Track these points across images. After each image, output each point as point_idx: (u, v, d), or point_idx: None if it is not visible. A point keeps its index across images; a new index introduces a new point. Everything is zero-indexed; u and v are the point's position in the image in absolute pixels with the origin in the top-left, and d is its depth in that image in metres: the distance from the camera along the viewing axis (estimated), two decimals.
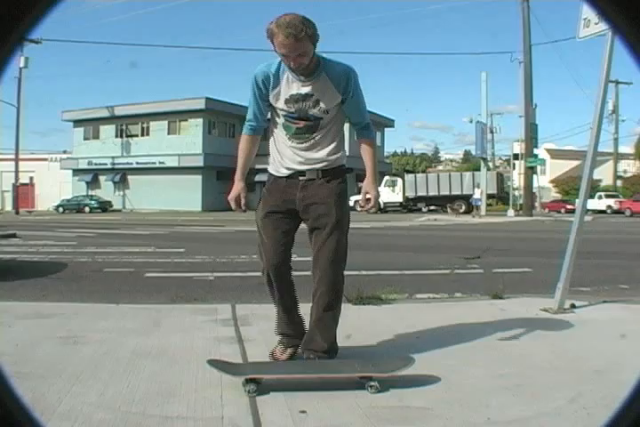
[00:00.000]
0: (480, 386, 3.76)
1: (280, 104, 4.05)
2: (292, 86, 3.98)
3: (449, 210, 45.08)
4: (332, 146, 4.16)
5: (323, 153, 4.11)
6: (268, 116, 4.24)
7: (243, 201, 4.23)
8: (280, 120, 4.13)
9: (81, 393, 3.55)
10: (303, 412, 3.29)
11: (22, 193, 53.28)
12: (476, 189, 43.87)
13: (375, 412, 3.30)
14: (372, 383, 3.63)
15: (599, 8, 1.23)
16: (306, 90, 3.97)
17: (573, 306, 6.39)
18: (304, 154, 4.09)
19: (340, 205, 4.18)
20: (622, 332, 5.15)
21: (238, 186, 4.25)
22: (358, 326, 5.33)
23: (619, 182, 66.34)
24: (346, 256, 4.16)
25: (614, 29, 1.22)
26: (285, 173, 4.15)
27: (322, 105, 4.00)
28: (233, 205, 4.27)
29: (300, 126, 4.06)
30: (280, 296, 4.23)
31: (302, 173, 4.12)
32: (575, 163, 68.22)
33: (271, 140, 4.28)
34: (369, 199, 4.34)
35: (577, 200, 7.11)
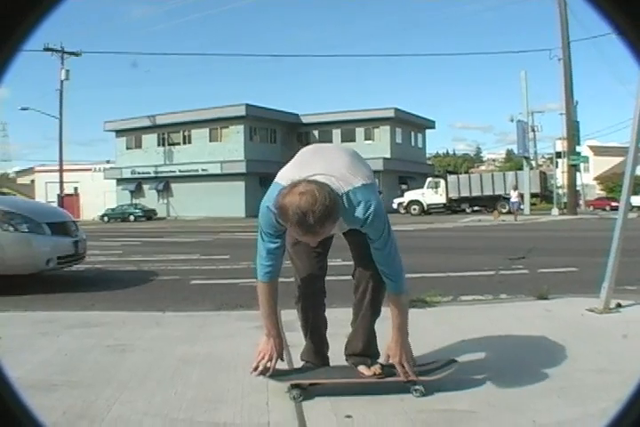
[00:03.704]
0: (525, 388, 3.74)
1: None
2: None
3: (495, 212, 43.30)
4: None
5: None
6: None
7: (272, 363, 3.69)
8: None
9: (129, 401, 3.60)
10: (349, 417, 3.30)
11: (67, 203, 53.80)
12: (512, 192, 42.27)
13: (421, 416, 3.30)
14: (417, 387, 3.63)
15: (603, 12, 1.24)
16: None
17: (619, 305, 6.33)
18: None
19: None
20: None
21: (277, 341, 3.73)
22: None
23: None
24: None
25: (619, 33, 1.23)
26: None
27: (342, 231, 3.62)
28: (259, 368, 3.66)
29: None
30: (314, 317, 4.01)
31: None
32: (619, 159, 67.24)
33: None
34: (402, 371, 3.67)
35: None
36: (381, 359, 3.81)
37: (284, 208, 3.00)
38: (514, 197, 41.12)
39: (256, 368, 3.65)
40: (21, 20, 1.15)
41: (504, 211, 48.60)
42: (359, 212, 3.32)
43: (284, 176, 3.39)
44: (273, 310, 3.72)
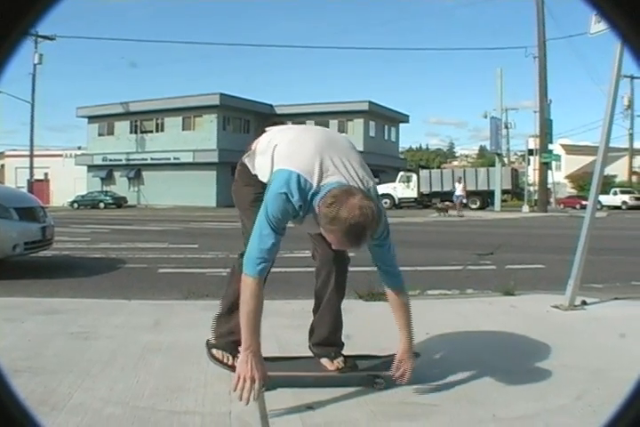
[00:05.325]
0: (487, 382, 3.78)
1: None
2: (312, 226, 3.36)
3: (436, 211, 39.54)
4: None
5: None
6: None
7: (257, 386, 3.20)
8: None
9: (91, 388, 3.59)
10: (310, 408, 3.31)
11: (37, 189, 53.21)
12: (457, 184, 40.85)
13: (381, 408, 3.32)
14: (379, 380, 3.65)
15: (599, 8, 1.24)
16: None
17: (584, 303, 6.39)
18: None
19: None
20: (633, 329, 5.14)
21: (256, 359, 3.25)
22: (368, 322, 5.34)
23: (634, 178, 66.04)
24: None
25: (614, 29, 1.23)
26: None
27: None
28: (245, 394, 3.17)
29: None
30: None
31: None
32: (590, 158, 67.52)
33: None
34: (403, 370, 3.57)
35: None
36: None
37: (341, 220, 2.91)
38: (458, 190, 39.79)
39: (241, 397, 3.18)
40: (18, 20, 1.14)
41: (474, 207, 48.95)
42: None
43: (301, 167, 3.21)
44: (258, 317, 3.25)
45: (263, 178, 3.54)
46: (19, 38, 1.17)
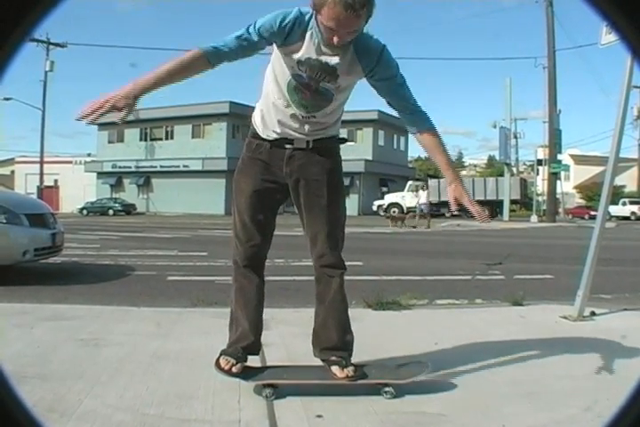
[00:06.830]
0: (496, 393, 3.77)
1: (290, 61, 3.40)
2: (312, 49, 3.33)
3: (390, 221, 31.36)
4: (333, 123, 3.73)
5: (320, 128, 3.66)
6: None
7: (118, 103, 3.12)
8: (285, 79, 3.47)
9: (101, 395, 3.59)
10: (319, 416, 3.31)
11: (47, 195, 53.28)
12: (421, 192, 39.82)
13: (391, 417, 3.31)
14: (388, 389, 3.63)
15: (610, 19, 1.26)
16: (327, 59, 3.34)
17: (593, 314, 6.36)
18: (299, 125, 3.61)
19: (333, 182, 3.76)
20: None
21: (128, 89, 3.16)
22: (377, 331, 5.34)
23: None
24: (344, 237, 3.85)
25: (625, 41, 1.24)
26: (273, 136, 3.66)
27: (339, 82, 3.45)
28: (89, 109, 3.07)
29: (306, 98, 3.49)
30: (255, 292, 4.03)
31: (290, 141, 3.64)
32: (599, 169, 67.55)
33: (261, 101, 3.71)
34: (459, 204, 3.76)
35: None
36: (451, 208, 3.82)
37: None
38: (422, 198, 38.36)
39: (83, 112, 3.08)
40: (21, 19, 1.16)
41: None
42: (374, 42, 3.37)
43: None
44: (168, 70, 3.25)
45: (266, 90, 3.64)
46: (20, 40, 1.18)
